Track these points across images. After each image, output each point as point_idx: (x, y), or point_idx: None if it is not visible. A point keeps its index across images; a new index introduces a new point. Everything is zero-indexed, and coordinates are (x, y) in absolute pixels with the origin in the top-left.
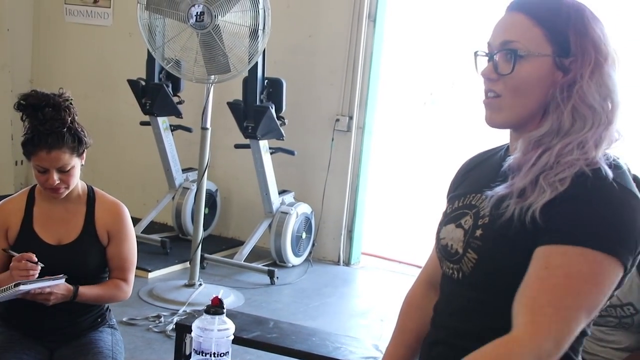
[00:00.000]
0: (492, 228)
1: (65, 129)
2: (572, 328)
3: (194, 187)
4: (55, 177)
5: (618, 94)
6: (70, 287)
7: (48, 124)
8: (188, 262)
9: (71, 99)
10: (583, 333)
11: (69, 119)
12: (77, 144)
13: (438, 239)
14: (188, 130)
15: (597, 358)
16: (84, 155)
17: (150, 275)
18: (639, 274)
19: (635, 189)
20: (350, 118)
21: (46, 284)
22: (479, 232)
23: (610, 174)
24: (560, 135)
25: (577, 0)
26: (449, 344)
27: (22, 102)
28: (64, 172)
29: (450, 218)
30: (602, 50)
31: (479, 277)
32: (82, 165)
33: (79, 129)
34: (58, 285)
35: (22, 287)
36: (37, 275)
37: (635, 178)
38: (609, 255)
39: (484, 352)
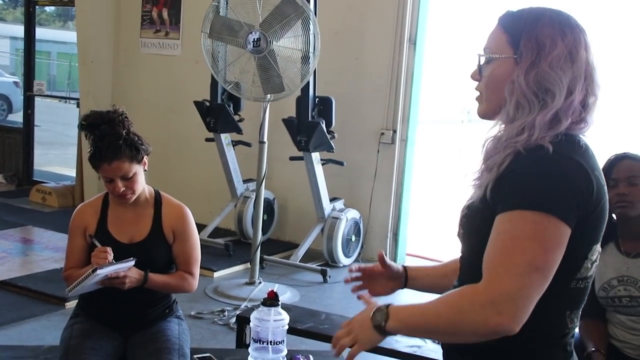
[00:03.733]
0: (469, 207)
1: (121, 141)
2: (525, 284)
3: (254, 196)
4: (120, 184)
5: (562, 86)
6: (142, 272)
7: (105, 139)
8: (249, 263)
9: (125, 114)
10: (571, 300)
11: (124, 131)
12: (135, 152)
13: None
14: (248, 145)
15: (629, 345)
16: (145, 161)
17: (216, 274)
18: None
19: (579, 158)
20: (394, 132)
21: (118, 266)
22: (465, 211)
23: (549, 147)
24: (508, 123)
25: (546, 7)
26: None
27: (82, 122)
28: (127, 179)
29: None
30: (544, 49)
31: (466, 246)
32: (145, 170)
33: (135, 139)
34: (130, 269)
35: (99, 271)
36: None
37: (590, 155)
38: (546, 213)
39: (454, 292)
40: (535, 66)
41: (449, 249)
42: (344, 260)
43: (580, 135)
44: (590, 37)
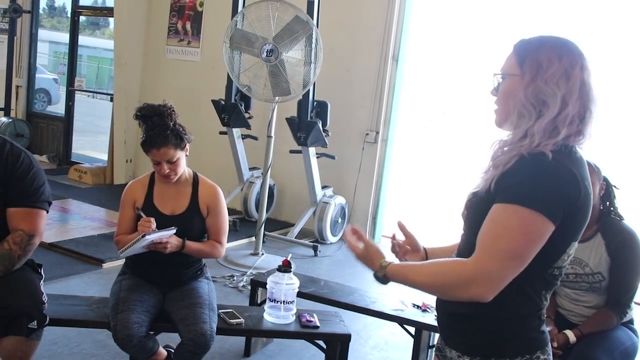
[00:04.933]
0: (475, 195)
1: (169, 131)
2: (504, 268)
3: (258, 182)
4: (166, 167)
5: (556, 98)
6: (180, 239)
7: (156, 129)
8: (253, 237)
9: (173, 108)
10: (546, 283)
11: (171, 123)
12: (179, 141)
13: None
14: (255, 138)
15: (572, 313)
16: (187, 148)
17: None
18: (607, 250)
19: (573, 168)
20: (377, 133)
21: (163, 233)
22: (471, 197)
23: (549, 154)
24: (513, 129)
25: (552, 35)
26: None
27: (137, 113)
28: (172, 163)
29: None
30: (542, 68)
31: (468, 225)
32: (186, 156)
33: (180, 129)
34: (171, 237)
35: (147, 237)
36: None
37: (587, 163)
38: (534, 210)
39: (445, 260)
40: (534, 82)
41: (418, 231)
42: (331, 238)
43: (577, 147)
44: (589, 62)
